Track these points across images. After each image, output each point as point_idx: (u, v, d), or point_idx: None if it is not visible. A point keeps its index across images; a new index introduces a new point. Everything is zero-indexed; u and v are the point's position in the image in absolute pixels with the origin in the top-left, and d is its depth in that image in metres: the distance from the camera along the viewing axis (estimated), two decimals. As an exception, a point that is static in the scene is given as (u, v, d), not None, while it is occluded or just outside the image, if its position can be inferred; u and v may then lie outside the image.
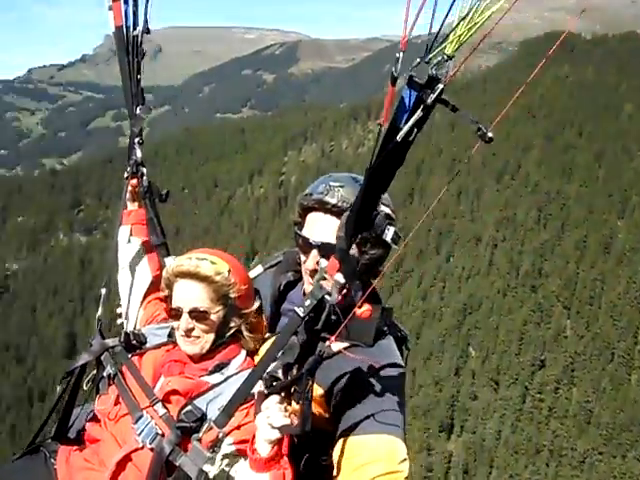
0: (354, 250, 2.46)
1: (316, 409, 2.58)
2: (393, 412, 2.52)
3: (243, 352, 2.82)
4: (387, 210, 2.67)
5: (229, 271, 2.79)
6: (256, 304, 2.90)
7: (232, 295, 2.78)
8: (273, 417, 2.27)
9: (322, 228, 2.66)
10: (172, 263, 2.87)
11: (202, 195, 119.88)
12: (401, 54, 1.86)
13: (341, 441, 2.49)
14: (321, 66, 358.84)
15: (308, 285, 2.74)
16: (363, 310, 2.34)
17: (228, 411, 2.45)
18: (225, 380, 2.69)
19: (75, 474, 2.65)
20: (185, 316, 2.72)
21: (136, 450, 2.55)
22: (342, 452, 2.48)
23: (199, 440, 2.49)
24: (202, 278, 2.73)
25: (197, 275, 2.73)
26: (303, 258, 2.76)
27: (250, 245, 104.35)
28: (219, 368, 2.75)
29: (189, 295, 2.74)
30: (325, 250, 2.63)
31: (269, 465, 2.32)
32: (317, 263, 2.67)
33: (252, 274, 3.16)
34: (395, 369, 2.66)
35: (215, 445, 2.47)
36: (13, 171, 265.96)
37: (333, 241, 2.46)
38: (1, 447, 68.37)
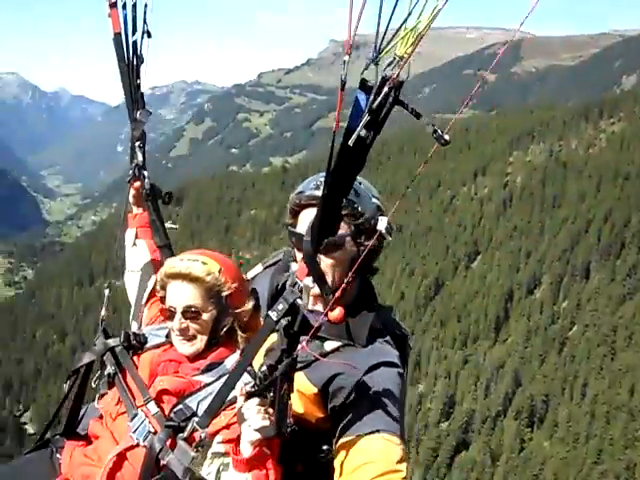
0: (349, 243, 2.69)
1: (310, 408, 2.68)
2: (389, 412, 2.52)
3: (237, 351, 2.86)
4: (377, 202, 2.78)
5: (220, 271, 2.85)
6: (250, 303, 2.94)
7: (224, 294, 2.84)
8: (252, 419, 2.32)
9: None
10: (165, 265, 2.94)
11: (425, 194, 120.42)
12: (347, 57, 1.87)
13: (339, 442, 2.53)
14: (546, 64, 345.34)
15: None
16: (335, 314, 2.39)
17: (210, 412, 2.49)
18: (218, 379, 2.72)
19: (75, 469, 2.74)
20: (178, 316, 2.80)
21: (131, 447, 2.63)
22: (340, 453, 2.52)
23: (186, 439, 2.53)
24: (193, 279, 2.80)
25: (189, 276, 2.80)
26: (299, 256, 2.75)
27: (473, 245, 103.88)
28: (212, 367, 2.80)
29: (181, 295, 2.81)
30: (325, 247, 2.65)
31: (252, 466, 2.38)
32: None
33: (251, 273, 3.27)
34: (390, 368, 2.66)
35: (199, 445, 2.51)
36: (243, 168, 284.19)
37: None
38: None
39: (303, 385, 2.65)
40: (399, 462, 2.42)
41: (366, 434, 2.45)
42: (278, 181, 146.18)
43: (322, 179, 2.61)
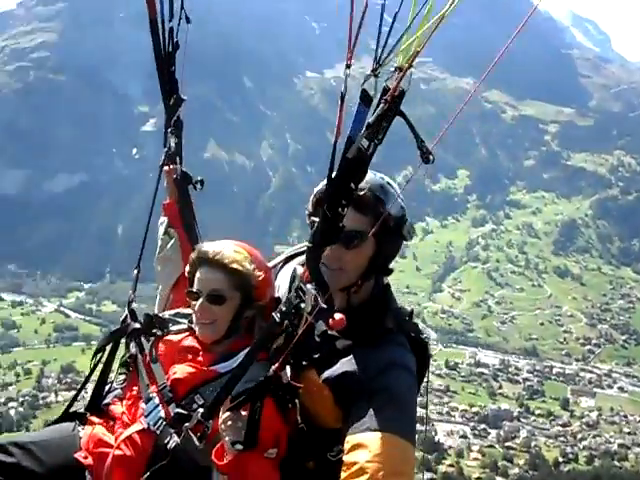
0: (371, 240, 2.68)
1: (323, 405, 2.69)
2: (399, 413, 2.49)
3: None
4: (402, 203, 2.77)
5: (250, 261, 2.88)
6: (272, 296, 2.97)
7: (250, 284, 2.86)
8: (226, 432, 2.40)
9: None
10: (196, 249, 2.97)
11: None
12: (348, 71, 1.94)
13: (347, 439, 2.48)
14: None
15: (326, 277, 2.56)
16: (336, 320, 2.36)
17: (213, 406, 2.52)
18: (232, 370, 2.65)
19: (93, 448, 2.83)
20: (202, 299, 2.84)
21: (142, 431, 2.73)
22: (346, 449, 2.45)
23: (192, 429, 2.58)
24: (222, 265, 2.84)
25: (218, 262, 2.84)
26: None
27: None
28: (228, 357, 2.82)
29: (208, 280, 2.85)
30: (348, 239, 2.63)
31: (230, 472, 2.39)
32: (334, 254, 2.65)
33: (272, 263, 3.27)
34: (401, 370, 2.63)
35: (203, 436, 2.54)
36: None
37: (356, 228, 2.61)
38: None
39: (315, 383, 2.68)
40: (403, 463, 2.38)
41: (373, 432, 2.40)
42: None
43: (372, 178, 2.69)
